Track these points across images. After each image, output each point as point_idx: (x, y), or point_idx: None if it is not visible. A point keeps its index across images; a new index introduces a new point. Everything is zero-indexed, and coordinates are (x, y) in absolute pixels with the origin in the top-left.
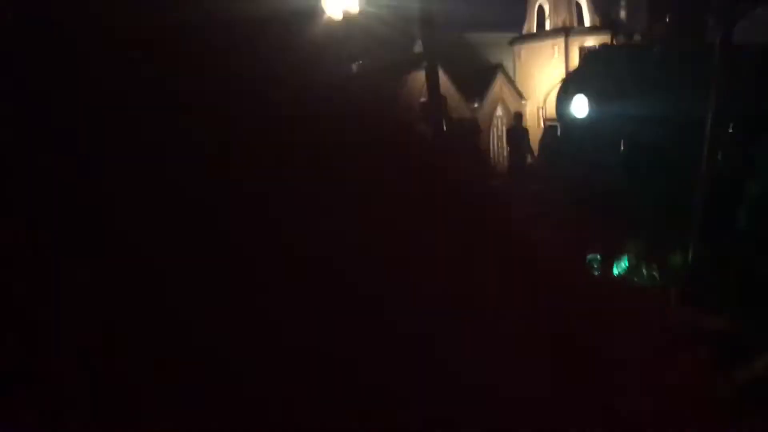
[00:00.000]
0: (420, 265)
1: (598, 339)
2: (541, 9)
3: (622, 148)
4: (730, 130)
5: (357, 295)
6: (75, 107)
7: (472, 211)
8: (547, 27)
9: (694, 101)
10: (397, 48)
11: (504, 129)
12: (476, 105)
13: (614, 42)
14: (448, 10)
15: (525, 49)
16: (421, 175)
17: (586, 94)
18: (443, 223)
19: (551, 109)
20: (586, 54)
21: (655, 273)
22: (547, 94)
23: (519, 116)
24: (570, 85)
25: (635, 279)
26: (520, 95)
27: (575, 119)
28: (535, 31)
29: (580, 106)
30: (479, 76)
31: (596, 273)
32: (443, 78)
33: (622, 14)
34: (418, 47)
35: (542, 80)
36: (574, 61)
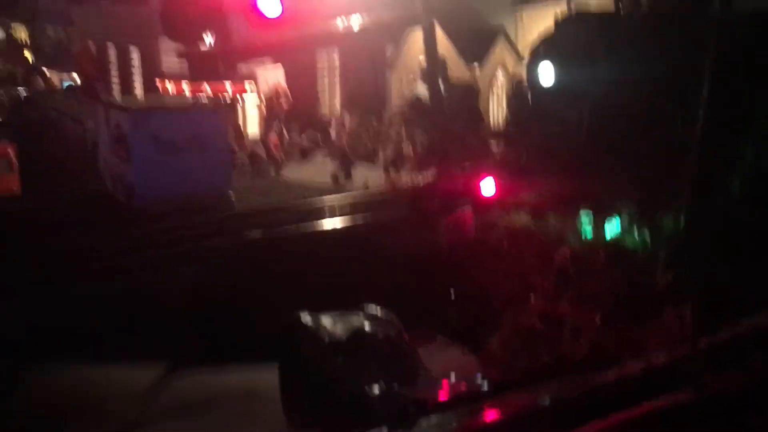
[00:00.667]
0: None
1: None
2: None
3: (589, 113)
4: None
5: None
6: None
7: None
8: None
9: (666, 66)
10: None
11: (503, 92)
12: (476, 65)
13: (620, 8)
14: None
15: (527, 12)
16: None
17: (553, 62)
18: None
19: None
20: (557, 20)
21: (646, 234)
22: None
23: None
24: (538, 52)
25: (626, 240)
26: (521, 58)
27: (543, 86)
28: None
29: (546, 74)
30: (480, 38)
31: (588, 231)
32: (443, 39)
33: None
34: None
35: None
36: None
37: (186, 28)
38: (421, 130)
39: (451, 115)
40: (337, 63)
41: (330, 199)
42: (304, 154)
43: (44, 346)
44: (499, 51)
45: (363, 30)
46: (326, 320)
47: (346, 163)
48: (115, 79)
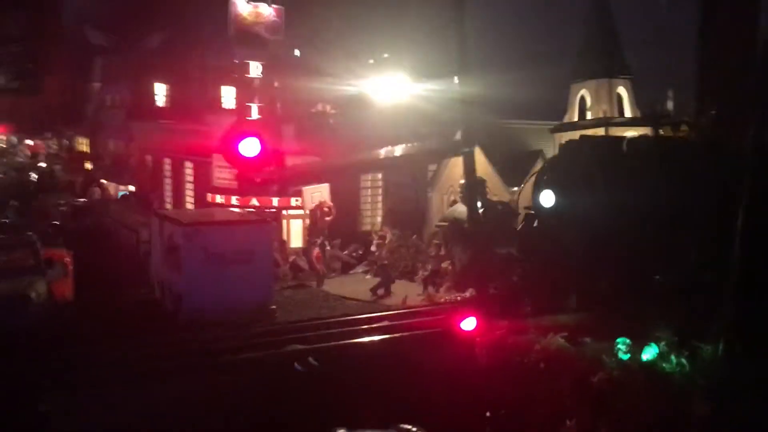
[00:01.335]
0: None
1: None
2: (582, 99)
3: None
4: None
5: None
6: None
7: None
8: (588, 116)
9: (663, 190)
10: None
11: None
12: (516, 189)
13: (657, 133)
14: (493, 99)
15: (566, 137)
16: None
17: (554, 185)
18: None
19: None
20: (561, 145)
21: (684, 361)
22: None
23: None
24: (541, 176)
25: (664, 366)
26: None
27: (545, 208)
28: (576, 120)
29: (547, 196)
30: (521, 161)
31: (625, 356)
32: (484, 162)
33: (669, 105)
34: (458, 135)
35: None
36: None
37: (241, 157)
38: (461, 249)
39: (488, 235)
40: (380, 182)
41: (369, 314)
42: (346, 268)
43: None
44: None
45: (407, 157)
46: None
47: (386, 278)
48: (168, 191)
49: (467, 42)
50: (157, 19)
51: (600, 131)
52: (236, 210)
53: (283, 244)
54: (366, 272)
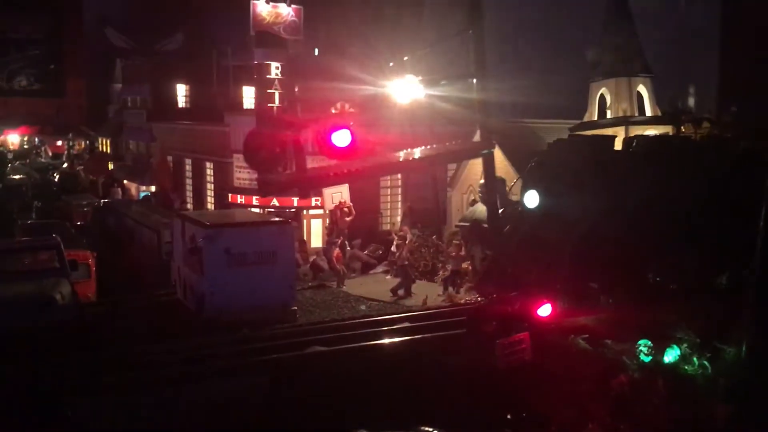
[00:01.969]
0: None
1: None
2: (602, 98)
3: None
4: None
5: None
6: None
7: None
8: (608, 115)
9: (655, 189)
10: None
11: None
12: None
13: (679, 131)
14: (512, 99)
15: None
16: None
17: (538, 185)
18: None
19: None
20: (550, 143)
21: (706, 362)
22: None
23: None
24: (527, 175)
25: (686, 368)
26: None
27: (529, 208)
28: (596, 119)
29: (531, 197)
30: None
31: (647, 358)
32: (504, 162)
33: (691, 102)
34: (477, 136)
35: None
36: None
37: (262, 158)
38: (481, 249)
39: (508, 235)
40: (399, 182)
41: (389, 315)
42: (366, 268)
43: None
44: None
45: (425, 159)
46: None
47: (406, 278)
48: (189, 192)
49: (484, 42)
50: (177, 21)
51: (620, 130)
52: (257, 210)
53: (303, 243)
54: (386, 272)
